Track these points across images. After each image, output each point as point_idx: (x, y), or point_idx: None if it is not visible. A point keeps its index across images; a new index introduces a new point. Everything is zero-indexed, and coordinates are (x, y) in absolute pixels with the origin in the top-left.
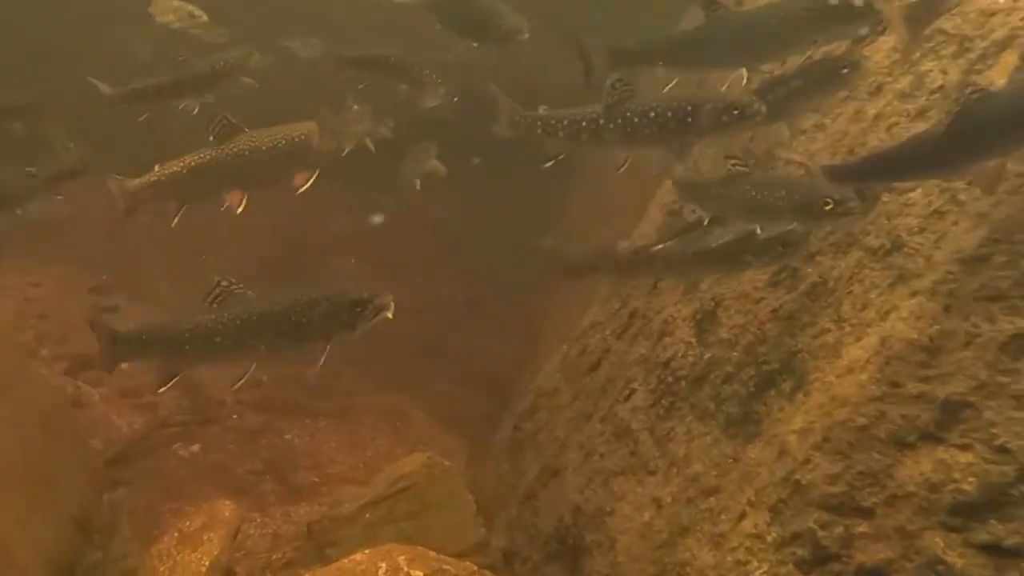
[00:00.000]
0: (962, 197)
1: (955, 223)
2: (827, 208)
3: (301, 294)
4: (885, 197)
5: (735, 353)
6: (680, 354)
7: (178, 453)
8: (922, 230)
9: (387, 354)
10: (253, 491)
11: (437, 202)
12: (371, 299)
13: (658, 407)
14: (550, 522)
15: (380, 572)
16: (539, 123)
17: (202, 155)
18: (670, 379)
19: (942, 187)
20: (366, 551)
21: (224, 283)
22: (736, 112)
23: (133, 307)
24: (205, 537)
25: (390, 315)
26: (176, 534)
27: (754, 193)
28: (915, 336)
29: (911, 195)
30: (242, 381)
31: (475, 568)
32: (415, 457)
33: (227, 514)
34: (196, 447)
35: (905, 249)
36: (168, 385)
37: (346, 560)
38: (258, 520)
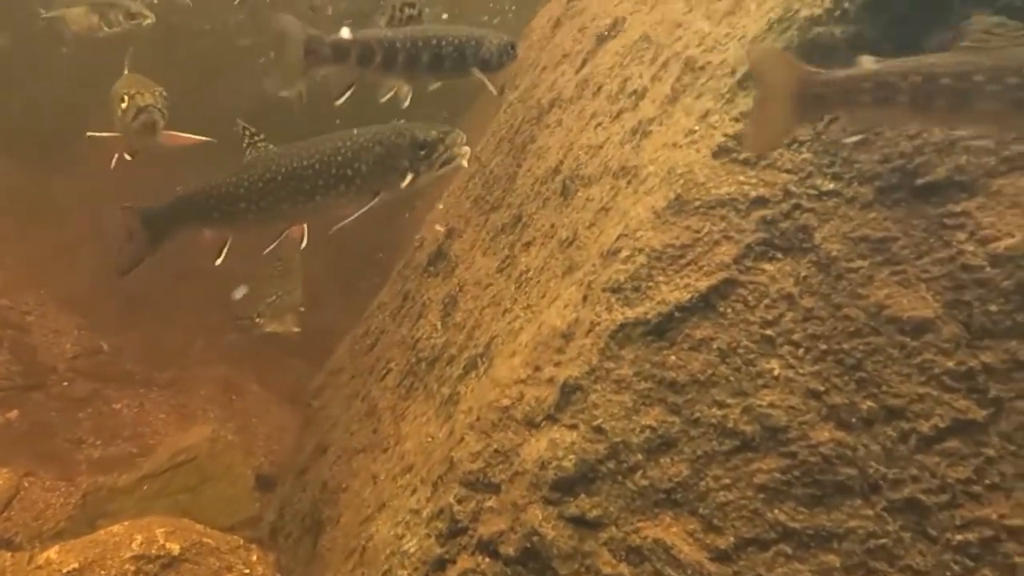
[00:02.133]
0: (619, 196)
1: (611, 220)
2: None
3: (349, 136)
4: (579, 192)
5: (461, 336)
6: (426, 336)
7: None
8: (592, 225)
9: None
10: (65, 459)
11: None
12: (439, 139)
13: (401, 387)
14: (308, 499)
15: (134, 544)
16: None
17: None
18: (414, 360)
19: (612, 185)
20: (125, 523)
21: (252, 131)
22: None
23: None
24: None
25: (465, 163)
26: None
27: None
28: (559, 323)
29: (593, 190)
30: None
31: (241, 542)
32: (199, 430)
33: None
34: (13, 413)
35: (578, 242)
36: (223, 256)
37: (102, 532)
38: (62, 489)
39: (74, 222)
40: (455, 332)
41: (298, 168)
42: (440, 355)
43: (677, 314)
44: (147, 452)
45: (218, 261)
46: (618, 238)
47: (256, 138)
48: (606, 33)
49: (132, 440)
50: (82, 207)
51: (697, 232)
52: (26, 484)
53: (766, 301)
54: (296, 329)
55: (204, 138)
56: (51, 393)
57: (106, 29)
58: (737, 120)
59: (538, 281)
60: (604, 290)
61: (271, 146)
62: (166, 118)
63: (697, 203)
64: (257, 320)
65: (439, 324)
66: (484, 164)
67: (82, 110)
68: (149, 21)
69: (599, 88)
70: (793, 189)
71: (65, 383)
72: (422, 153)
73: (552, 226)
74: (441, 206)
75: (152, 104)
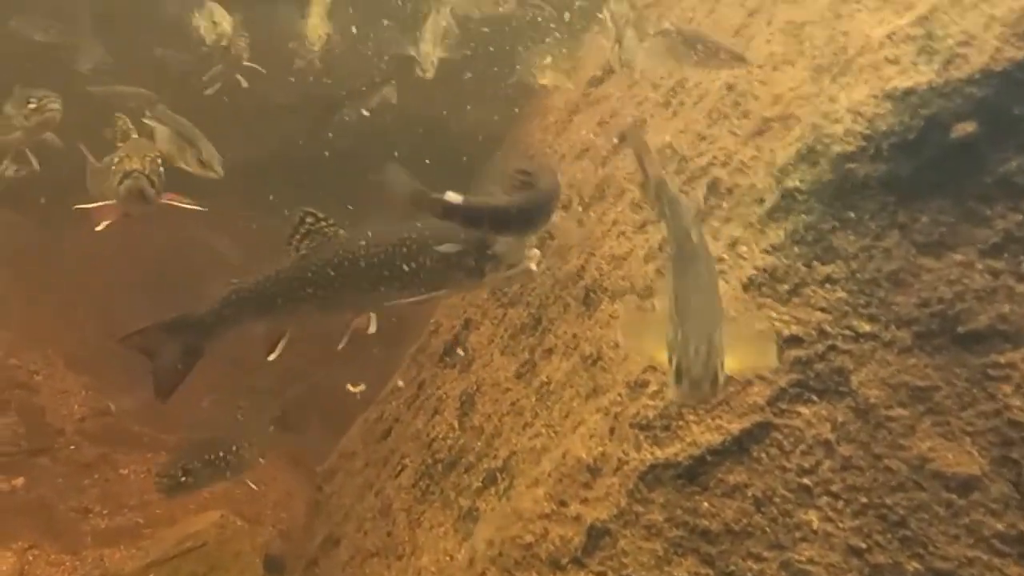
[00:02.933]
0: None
1: None
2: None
3: (412, 231)
4: (603, 304)
5: (479, 443)
6: (442, 435)
7: None
8: (616, 345)
9: (247, 383)
10: (71, 531)
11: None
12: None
13: (417, 488)
14: None
15: None
16: None
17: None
18: (431, 460)
19: (637, 305)
20: None
21: (311, 218)
22: None
23: None
24: None
25: (534, 267)
26: None
27: None
28: (584, 455)
29: (617, 306)
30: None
31: None
32: (208, 515)
33: (4, 568)
34: (19, 480)
35: (602, 363)
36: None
37: None
38: (67, 564)
39: (79, 279)
40: (473, 436)
41: (363, 257)
42: (457, 460)
43: (709, 457)
44: (153, 523)
45: (273, 356)
46: (645, 369)
47: (319, 223)
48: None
49: (139, 509)
50: (88, 263)
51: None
52: (30, 558)
53: (802, 447)
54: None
55: (198, 207)
56: (58, 458)
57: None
58: (768, 252)
59: (560, 398)
60: (632, 426)
61: (340, 231)
62: (157, 184)
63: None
64: (183, 480)
65: (456, 424)
66: None
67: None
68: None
69: (621, 192)
70: (828, 329)
71: (72, 447)
72: (489, 253)
73: (574, 336)
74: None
75: (139, 169)
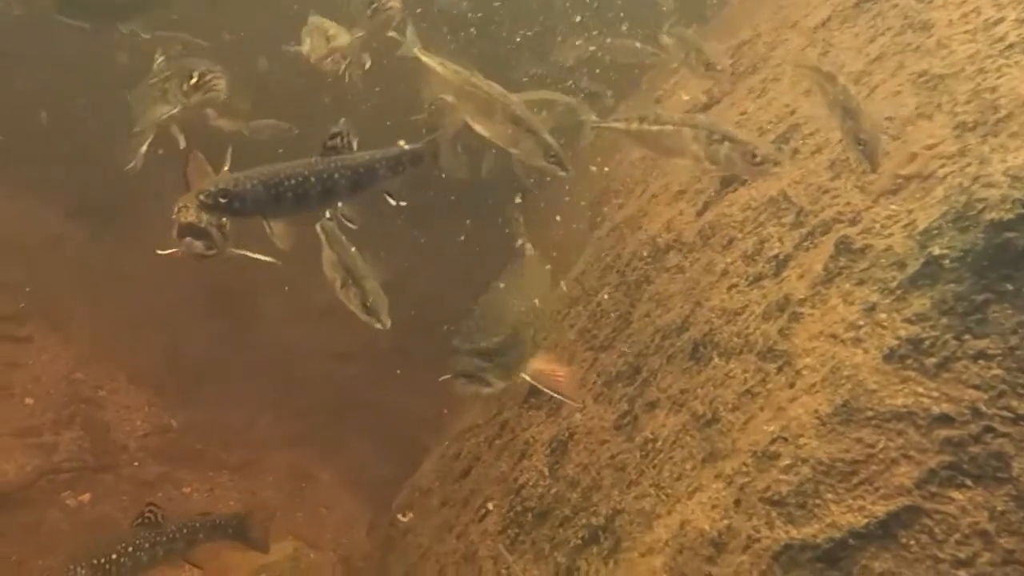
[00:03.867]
0: (770, 383)
1: (761, 408)
2: None
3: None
4: (714, 360)
5: (575, 495)
6: (532, 482)
7: (64, 502)
8: (735, 408)
9: (305, 401)
10: None
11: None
12: None
13: (505, 535)
14: None
15: None
16: None
17: None
18: (519, 508)
19: (758, 366)
20: None
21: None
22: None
23: (47, 338)
24: None
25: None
26: None
27: None
28: (707, 527)
29: (732, 365)
30: None
31: None
32: (283, 546)
33: None
34: (86, 496)
35: (719, 425)
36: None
37: None
38: None
39: (142, 296)
40: (567, 487)
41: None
42: (550, 510)
43: (852, 541)
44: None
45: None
46: (775, 440)
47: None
48: (731, 178)
49: None
50: (149, 277)
51: (870, 447)
52: None
53: (956, 536)
54: None
55: (270, 259)
56: (122, 475)
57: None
58: (911, 322)
59: (671, 458)
60: (763, 500)
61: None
62: (217, 237)
63: (869, 413)
64: None
65: (546, 471)
66: (588, 292)
67: (156, 178)
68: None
69: (729, 242)
70: (983, 409)
71: (136, 463)
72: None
73: (682, 392)
74: None
75: (194, 223)
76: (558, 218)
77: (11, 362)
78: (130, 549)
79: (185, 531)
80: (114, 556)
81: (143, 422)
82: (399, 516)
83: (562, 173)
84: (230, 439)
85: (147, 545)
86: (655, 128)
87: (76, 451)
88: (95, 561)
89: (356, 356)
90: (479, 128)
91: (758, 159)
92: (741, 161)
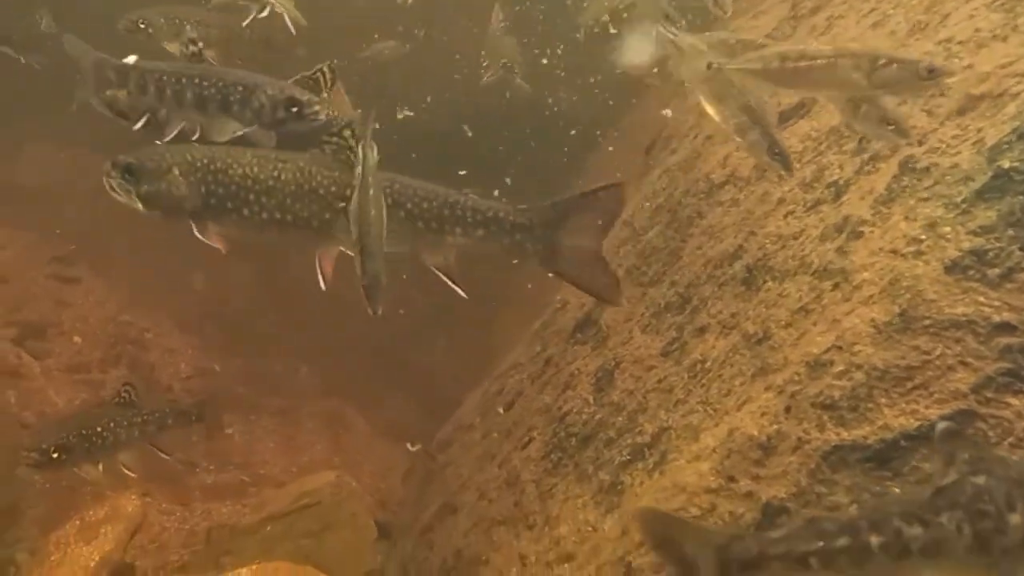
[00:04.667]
0: (825, 299)
1: (814, 323)
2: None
3: None
4: (768, 284)
5: (620, 418)
6: (576, 410)
7: None
8: (788, 325)
9: (344, 357)
10: (179, 482)
11: None
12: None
13: (547, 460)
14: (437, 561)
15: None
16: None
17: None
18: (563, 434)
19: (812, 285)
20: (253, 566)
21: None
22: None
23: (94, 280)
24: (102, 530)
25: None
26: (77, 522)
27: None
28: (755, 433)
29: (786, 286)
30: None
31: None
32: (323, 475)
33: (130, 509)
34: None
35: (771, 342)
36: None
37: (230, 573)
38: (178, 514)
39: (186, 240)
40: (612, 411)
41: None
42: (594, 434)
43: (903, 443)
44: (258, 482)
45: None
46: (829, 349)
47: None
48: (790, 112)
49: (243, 468)
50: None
51: (927, 354)
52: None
53: (1010, 439)
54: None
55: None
56: None
57: None
58: (975, 234)
59: (719, 375)
60: (814, 405)
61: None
62: None
63: (927, 321)
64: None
65: (591, 399)
66: (638, 232)
67: None
68: None
69: None
70: None
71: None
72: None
73: (733, 316)
74: None
75: None
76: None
77: (61, 300)
78: (112, 425)
79: (157, 415)
80: (98, 429)
81: (187, 365)
82: (437, 452)
83: (782, 172)
84: (271, 386)
85: (125, 423)
86: (803, 64)
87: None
88: (82, 432)
89: (395, 315)
90: (708, 108)
91: (934, 72)
92: (914, 79)
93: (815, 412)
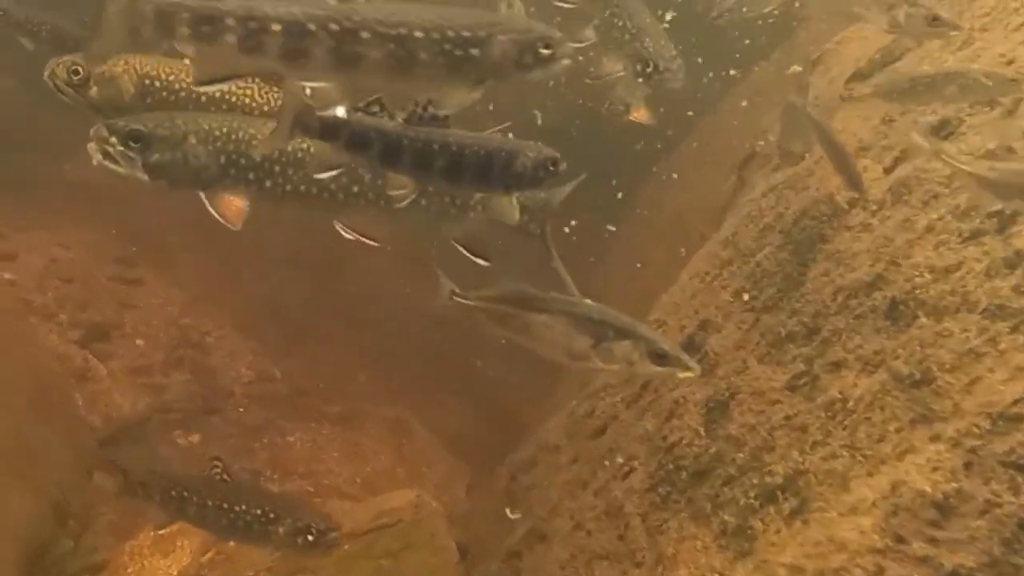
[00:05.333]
0: (1003, 343)
1: (991, 370)
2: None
3: None
4: (921, 320)
5: (741, 455)
6: (685, 441)
7: (176, 441)
8: (953, 368)
9: (404, 362)
10: None
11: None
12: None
13: (655, 493)
14: None
15: None
16: None
17: None
18: (671, 466)
19: (981, 326)
20: None
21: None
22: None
23: (156, 282)
24: (178, 543)
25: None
26: (152, 534)
27: None
28: (928, 489)
29: (947, 324)
30: None
31: None
32: (403, 493)
33: None
34: (195, 437)
35: (933, 386)
36: None
37: None
38: None
39: (245, 243)
40: (729, 446)
41: None
42: (708, 469)
43: None
44: (323, 493)
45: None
46: (1018, 401)
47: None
48: (932, 132)
49: (308, 478)
50: (254, 232)
51: None
52: None
53: None
54: None
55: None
56: (228, 419)
57: None
58: None
59: (866, 418)
60: (1004, 464)
61: None
62: None
63: None
64: None
65: (702, 431)
66: (743, 252)
67: None
68: None
69: (933, 197)
70: None
71: (241, 409)
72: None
73: (876, 352)
74: (681, 290)
75: None
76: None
77: (124, 302)
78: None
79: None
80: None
81: (247, 369)
82: (520, 472)
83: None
84: (331, 391)
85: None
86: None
87: (185, 393)
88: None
89: (453, 320)
90: None
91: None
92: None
93: (1006, 472)
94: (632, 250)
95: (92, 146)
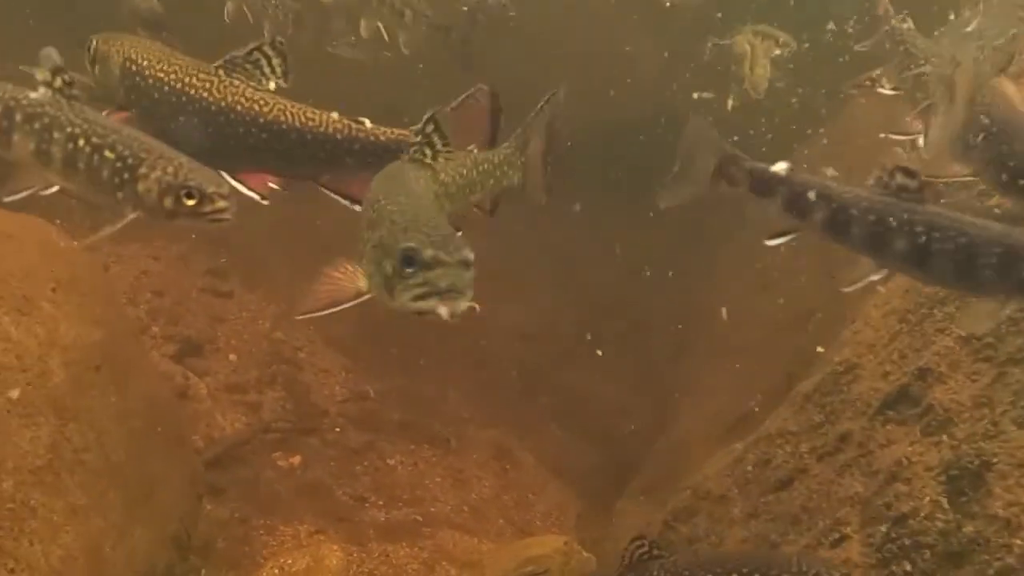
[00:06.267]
0: None
1: None
2: None
3: None
4: None
5: (1018, 541)
6: (924, 514)
7: (277, 463)
8: None
9: (493, 380)
10: (352, 520)
11: (553, 219)
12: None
13: (884, 569)
14: None
15: None
16: None
17: None
18: (906, 542)
19: None
20: None
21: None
22: None
23: (247, 295)
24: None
25: None
26: (276, 571)
27: None
28: None
29: None
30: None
31: None
32: (551, 539)
33: (334, 562)
34: (296, 459)
35: None
36: None
37: None
38: (355, 555)
39: (330, 252)
40: (997, 529)
41: None
42: (965, 552)
43: None
44: (431, 522)
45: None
46: None
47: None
48: None
49: (413, 504)
50: (344, 239)
51: None
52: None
53: None
54: None
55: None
56: (326, 440)
57: None
58: None
59: None
60: None
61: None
62: None
63: None
64: None
65: (944, 502)
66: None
67: None
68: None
69: None
70: None
71: (338, 429)
72: None
73: None
74: (873, 328)
75: None
76: None
77: (216, 316)
78: None
79: None
80: None
81: (341, 387)
82: (676, 521)
83: None
84: (425, 411)
85: None
86: None
87: (280, 411)
88: None
89: (540, 337)
90: None
91: None
92: None
93: None
94: None
95: None
